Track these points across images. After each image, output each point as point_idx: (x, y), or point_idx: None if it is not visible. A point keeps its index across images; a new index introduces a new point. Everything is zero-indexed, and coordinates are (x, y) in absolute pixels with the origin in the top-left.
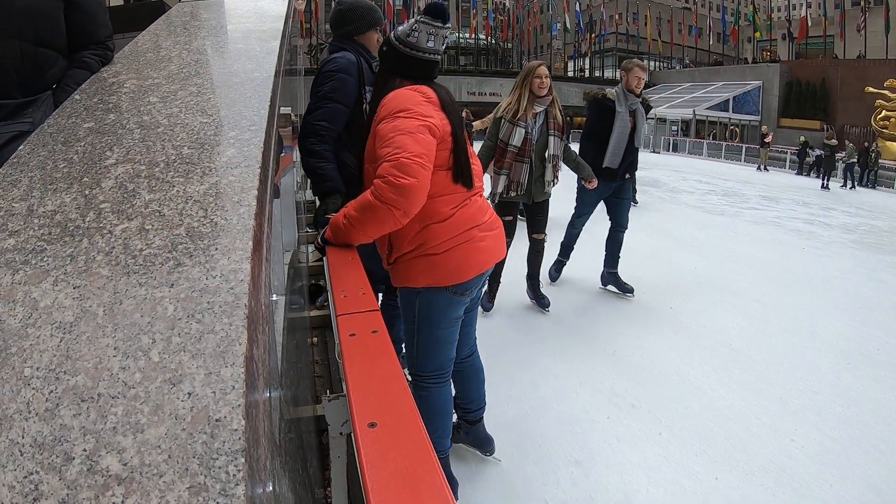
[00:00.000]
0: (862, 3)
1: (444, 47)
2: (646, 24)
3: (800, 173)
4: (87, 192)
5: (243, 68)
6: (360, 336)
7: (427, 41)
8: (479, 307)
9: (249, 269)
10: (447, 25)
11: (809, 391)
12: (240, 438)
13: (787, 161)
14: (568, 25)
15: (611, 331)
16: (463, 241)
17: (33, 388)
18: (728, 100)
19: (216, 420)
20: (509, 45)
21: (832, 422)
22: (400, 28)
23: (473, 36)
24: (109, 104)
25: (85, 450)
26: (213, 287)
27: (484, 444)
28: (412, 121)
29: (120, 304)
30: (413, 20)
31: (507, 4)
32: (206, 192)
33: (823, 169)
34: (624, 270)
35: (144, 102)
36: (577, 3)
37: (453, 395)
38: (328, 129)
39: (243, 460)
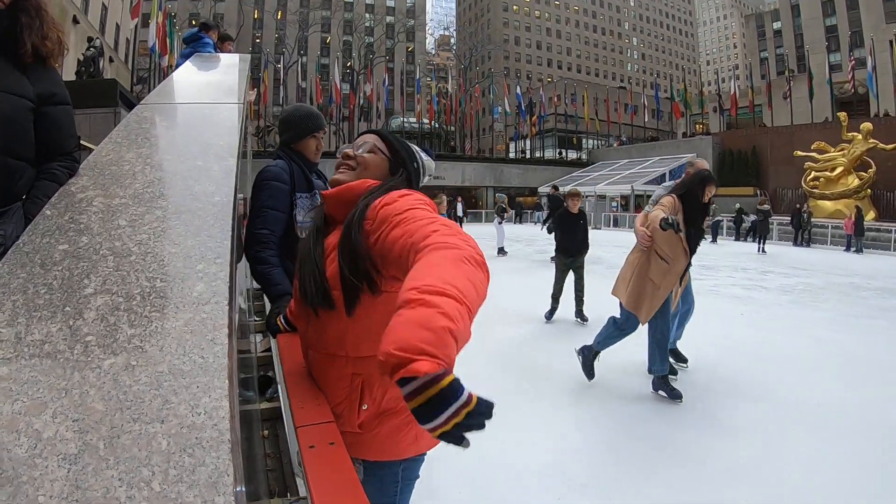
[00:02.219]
0: (786, 72)
1: None
2: (583, 104)
3: (737, 239)
4: (71, 323)
5: (204, 190)
6: (319, 448)
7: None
8: None
9: (228, 406)
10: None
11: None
12: None
13: (724, 228)
14: (508, 109)
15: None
16: None
17: None
18: (665, 173)
19: None
20: (452, 128)
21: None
22: (424, 156)
23: (419, 120)
24: (80, 224)
25: None
26: (199, 424)
27: None
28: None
29: (118, 438)
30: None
31: (450, 89)
32: (182, 329)
33: (758, 233)
34: (564, 350)
35: (114, 226)
36: (518, 87)
37: None
38: (269, 235)
39: None
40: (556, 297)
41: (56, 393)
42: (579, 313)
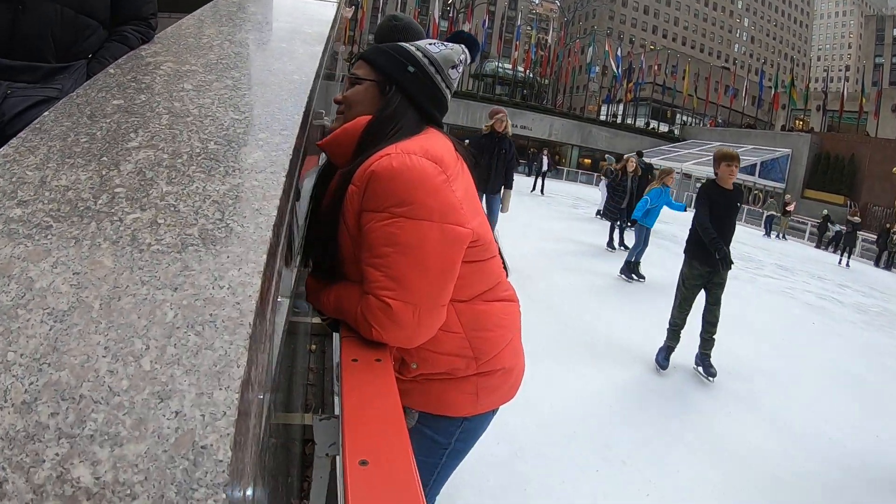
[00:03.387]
0: None
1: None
2: (683, 78)
3: (818, 246)
4: (104, 173)
5: (283, 69)
6: (362, 362)
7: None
8: None
9: (259, 284)
10: (470, 60)
11: (800, 469)
12: (224, 471)
13: (807, 233)
14: (615, 69)
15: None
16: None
17: (13, 376)
18: (756, 164)
19: (202, 447)
20: (546, 81)
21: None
22: (434, 48)
23: (514, 67)
24: (142, 84)
25: (57, 454)
26: (218, 298)
27: None
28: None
29: (118, 301)
30: (458, 48)
31: (550, 41)
32: (227, 193)
33: (844, 245)
34: (630, 331)
35: (178, 88)
36: (619, 49)
37: None
38: None
39: (224, 496)
40: (677, 330)
41: (64, 241)
42: (704, 360)
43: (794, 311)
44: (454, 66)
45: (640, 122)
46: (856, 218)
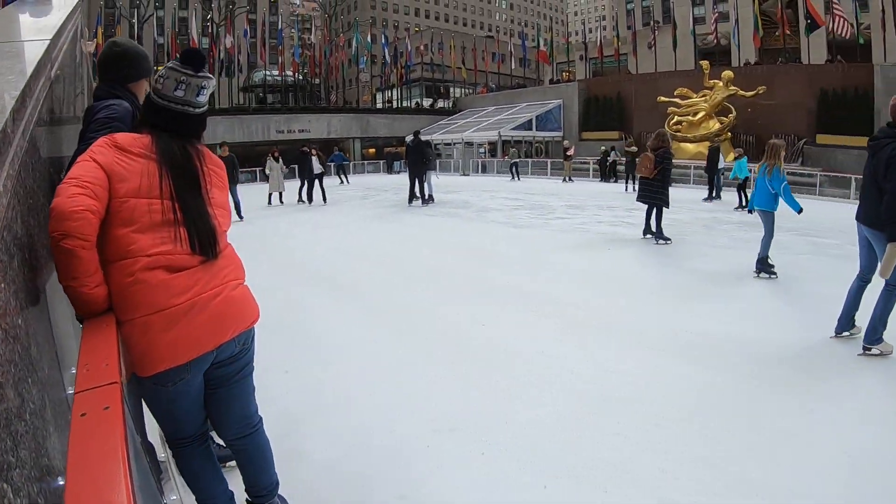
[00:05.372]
0: (651, 22)
1: (202, 98)
2: (451, 52)
3: (602, 180)
4: None
5: None
6: (90, 415)
7: (175, 89)
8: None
9: None
10: (200, 74)
11: (629, 383)
12: None
13: (591, 170)
14: (386, 56)
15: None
16: (140, 327)
17: None
18: (531, 119)
19: None
20: (317, 80)
21: (655, 409)
22: (159, 84)
23: (282, 73)
24: None
25: None
26: None
27: None
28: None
29: None
30: (164, 66)
31: (314, 40)
32: None
33: (626, 173)
34: (430, 293)
35: None
36: (383, 37)
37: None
38: None
39: None
40: None
41: None
42: None
43: (591, 243)
44: (157, 81)
45: (417, 103)
46: (632, 148)
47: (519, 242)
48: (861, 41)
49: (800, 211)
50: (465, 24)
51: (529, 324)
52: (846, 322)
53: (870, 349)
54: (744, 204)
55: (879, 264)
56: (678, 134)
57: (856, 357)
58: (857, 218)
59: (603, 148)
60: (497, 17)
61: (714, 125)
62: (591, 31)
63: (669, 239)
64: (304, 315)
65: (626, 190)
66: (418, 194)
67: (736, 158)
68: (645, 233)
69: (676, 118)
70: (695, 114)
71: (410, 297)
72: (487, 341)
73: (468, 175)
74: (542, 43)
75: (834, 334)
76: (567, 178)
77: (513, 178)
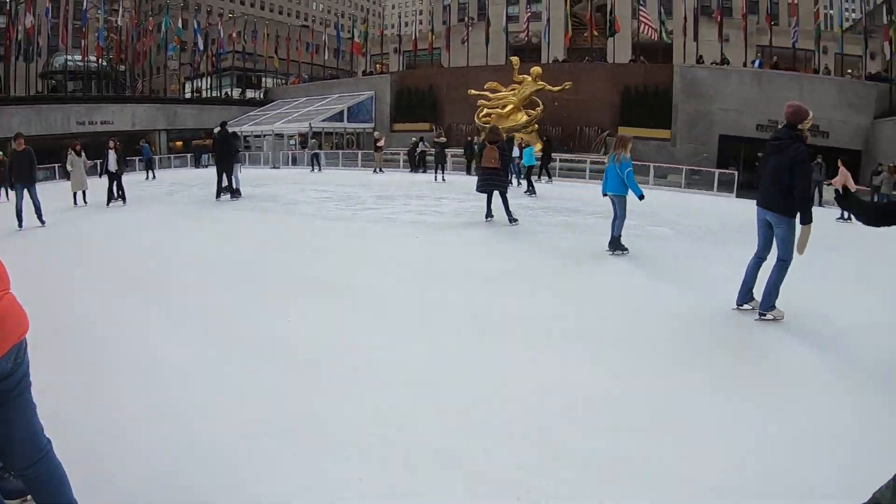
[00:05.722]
0: (466, 18)
1: None
2: (264, 41)
3: (412, 171)
4: None
5: None
6: None
7: None
8: None
9: None
10: None
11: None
12: None
13: (401, 161)
14: (200, 43)
15: None
16: None
17: None
18: (343, 110)
19: None
20: (122, 67)
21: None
22: None
23: (84, 58)
24: None
25: None
26: None
27: None
28: None
29: None
30: None
31: (121, 23)
32: None
33: (436, 163)
34: (241, 292)
35: None
36: (196, 22)
37: None
38: None
39: None
40: None
41: None
42: None
43: (398, 232)
44: None
45: (226, 93)
46: (442, 139)
47: (328, 234)
48: (669, 41)
49: (641, 197)
50: (280, 13)
51: (338, 316)
52: (745, 294)
53: (765, 315)
54: (532, 189)
55: (778, 243)
56: (487, 126)
57: (754, 321)
58: (759, 204)
59: (413, 139)
60: (314, 7)
61: (522, 117)
62: (406, 25)
63: (517, 220)
64: (105, 323)
65: (436, 180)
66: (227, 188)
67: (525, 146)
68: (487, 216)
69: (486, 110)
70: (504, 107)
71: (222, 298)
72: (295, 336)
73: (279, 168)
74: (356, 34)
75: (735, 306)
76: (378, 170)
77: (313, 169)
